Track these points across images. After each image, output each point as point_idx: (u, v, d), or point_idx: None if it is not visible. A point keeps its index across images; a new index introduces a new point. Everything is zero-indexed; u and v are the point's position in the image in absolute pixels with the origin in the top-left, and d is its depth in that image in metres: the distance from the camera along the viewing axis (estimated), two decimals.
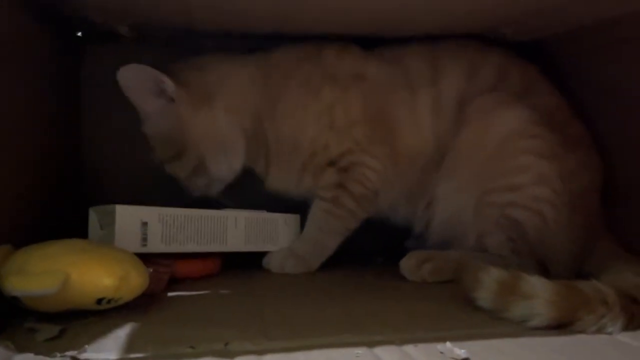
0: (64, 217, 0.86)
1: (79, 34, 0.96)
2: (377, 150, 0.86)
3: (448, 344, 0.51)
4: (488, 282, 0.62)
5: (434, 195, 0.87)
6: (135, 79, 0.81)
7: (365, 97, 0.87)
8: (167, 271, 0.72)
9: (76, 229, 0.73)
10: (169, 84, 0.82)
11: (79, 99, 0.98)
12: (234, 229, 0.83)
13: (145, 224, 0.73)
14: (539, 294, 0.59)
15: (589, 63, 0.91)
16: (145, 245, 0.73)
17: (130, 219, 0.72)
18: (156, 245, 0.74)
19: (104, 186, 0.98)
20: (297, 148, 0.87)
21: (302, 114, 0.86)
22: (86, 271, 0.56)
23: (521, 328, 0.57)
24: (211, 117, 0.86)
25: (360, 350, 0.50)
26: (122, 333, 0.54)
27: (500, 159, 0.82)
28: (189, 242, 0.78)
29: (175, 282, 0.75)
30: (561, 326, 0.57)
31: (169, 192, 0.90)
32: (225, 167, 0.88)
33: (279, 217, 0.89)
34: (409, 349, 0.51)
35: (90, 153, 0.99)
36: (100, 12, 0.79)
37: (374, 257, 0.95)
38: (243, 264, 0.86)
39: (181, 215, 0.77)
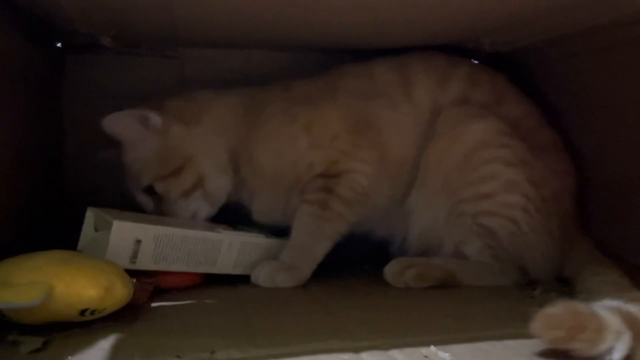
0: (43, 226, 0.86)
1: (59, 44, 0.95)
2: (365, 155, 0.86)
3: (432, 347, 0.52)
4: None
5: (409, 206, 0.88)
6: (121, 126, 0.84)
7: (344, 109, 0.88)
8: (151, 282, 0.72)
9: (57, 237, 0.72)
10: (154, 118, 0.85)
11: (60, 108, 0.98)
12: (227, 252, 0.81)
13: (139, 241, 0.72)
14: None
15: (564, 71, 0.93)
16: (134, 262, 0.72)
17: (125, 236, 0.71)
18: (145, 263, 0.73)
19: (85, 194, 0.97)
20: (279, 176, 0.87)
21: (280, 141, 0.87)
22: (71, 282, 0.55)
23: (504, 331, 0.58)
24: (203, 134, 0.88)
25: (346, 356, 0.50)
26: (106, 344, 0.54)
27: (468, 169, 0.83)
28: (178, 262, 0.77)
29: (158, 292, 0.74)
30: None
31: None
32: (222, 183, 0.89)
33: (274, 243, 0.86)
34: (395, 353, 0.51)
35: (72, 162, 0.99)
36: (86, 23, 0.79)
37: (361, 264, 0.95)
38: (226, 275, 0.85)
39: (177, 236, 0.76)
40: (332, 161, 0.86)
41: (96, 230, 0.74)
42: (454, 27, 0.86)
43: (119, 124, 0.83)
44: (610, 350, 0.49)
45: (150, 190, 0.87)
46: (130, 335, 0.57)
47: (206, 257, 0.79)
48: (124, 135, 0.85)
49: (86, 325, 0.58)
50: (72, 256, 0.61)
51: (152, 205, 0.88)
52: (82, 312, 0.56)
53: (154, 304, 0.69)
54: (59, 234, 0.76)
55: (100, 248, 0.70)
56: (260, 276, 0.80)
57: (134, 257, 0.72)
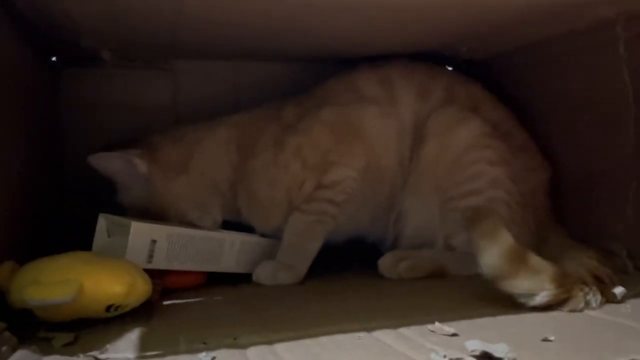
0: (45, 232, 0.89)
1: (54, 58, 0.98)
2: (355, 161, 0.91)
3: (437, 323, 0.57)
4: (501, 244, 0.65)
5: (403, 209, 0.93)
6: (107, 165, 0.86)
7: (331, 122, 0.92)
8: (160, 282, 0.75)
9: (57, 242, 0.74)
10: (140, 166, 0.87)
11: (57, 119, 1.00)
12: (229, 251, 0.85)
13: (154, 241, 0.76)
14: (545, 270, 0.64)
15: (536, 76, 0.99)
16: (150, 262, 0.76)
17: (142, 236, 0.75)
18: (160, 263, 0.77)
19: (83, 202, 0.99)
20: (275, 202, 0.90)
21: (272, 170, 0.90)
22: (98, 280, 0.59)
23: (498, 309, 0.63)
24: (187, 182, 0.90)
25: (361, 334, 0.55)
26: (133, 336, 0.57)
27: (457, 170, 0.89)
28: (188, 261, 0.81)
29: (165, 293, 0.76)
30: (557, 304, 0.63)
31: None
32: (208, 221, 0.91)
33: (270, 242, 0.91)
34: (403, 330, 0.56)
35: (71, 172, 1.01)
36: (92, 38, 0.82)
37: (351, 262, 0.99)
38: (227, 275, 0.88)
39: (186, 235, 0.80)
40: (325, 174, 0.90)
41: (109, 236, 0.77)
42: (434, 36, 0.93)
43: (106, 163, 0.85)
44: None
45: None
46: (152, 329, 0.60)
47: (211, 255, 0.83)
48: (111, 174, 0.87)
49: (108, 321, 0.61)
50: (94, 257, 0.64)
51: None
52: (108, 308, 0.60)
53: (165, 302, 0.73)
54: (59, 240, 0.78)
55: (116, 251, 0.73)
56: (262, 275, 0.85)
57: (150, 256, 0.76)
